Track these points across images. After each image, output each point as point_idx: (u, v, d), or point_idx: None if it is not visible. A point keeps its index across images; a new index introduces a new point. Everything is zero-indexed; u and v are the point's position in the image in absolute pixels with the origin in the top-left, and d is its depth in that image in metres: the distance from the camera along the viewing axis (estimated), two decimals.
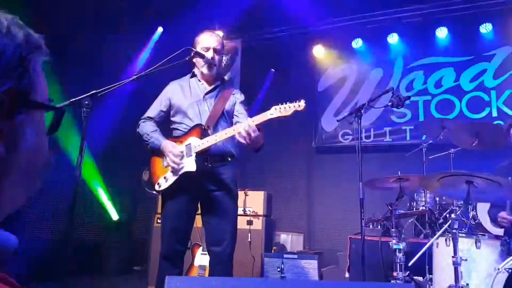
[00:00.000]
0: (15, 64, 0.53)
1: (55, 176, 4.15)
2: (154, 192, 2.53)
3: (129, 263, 5.28)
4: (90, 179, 5.10)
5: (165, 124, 2.71)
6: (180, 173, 2.43)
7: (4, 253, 0.50)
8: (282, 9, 5.41)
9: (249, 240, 4.39)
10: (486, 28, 5.37)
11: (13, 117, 0.53)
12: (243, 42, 6.25)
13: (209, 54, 2.55)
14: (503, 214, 2.97)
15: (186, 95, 2.60)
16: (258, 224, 4.59)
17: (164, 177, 2.49)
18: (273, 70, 6.32)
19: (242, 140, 2.24)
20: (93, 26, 4.96)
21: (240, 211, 4.65)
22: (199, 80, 2.65)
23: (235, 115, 2.63)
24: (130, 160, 4.96)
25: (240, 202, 4.65)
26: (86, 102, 1.92)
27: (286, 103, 2.23)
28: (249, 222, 4.49)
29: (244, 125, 2.22)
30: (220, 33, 6.32)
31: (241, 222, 4.56)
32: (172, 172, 2.46)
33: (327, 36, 6.07)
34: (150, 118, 2.64)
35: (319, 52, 6.22)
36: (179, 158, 2.43)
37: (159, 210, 4.69)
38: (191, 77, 2.68)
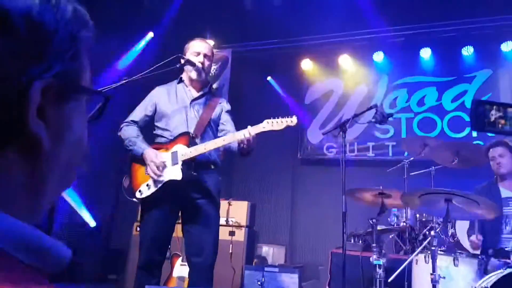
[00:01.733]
0: (66, 44, 0.47)
1: None
2: (135, 199, 2.48)
3: (105, 272, 5.16)
4: None
5: (147, 128, 2.65)
6: (165, 180, 2.39)
7: (62, 265, 0.46)
8: (273, 21, 5.47)
9: (231, 251, 4.34)
10: (467, 51, 5.53)
11: (62, 105, 0.47)
12: (233, 52, 6.27)
13: (199, 59, 2.55)
14: (473, 238, 3.04)
15: (172, 101, 2.57)
16: (240, 235, 4.56)
17: (147, 184, 2.44)
18: (269, 77, 6.33)
19: (242, 145, 2.28)
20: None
21: (222, 221, 4.62)
22: (186, 86, 2.62)
23: (222, 123, 2.62)
24: (109, 166, 4.89)
25: (223, 212, 4.66)
26: None
27: (278, 118, 2.26)
28: (231, 233, 4.45)
29: (242, 134, 2.27)
30: (211, 42, 6.35)
31: (223, 233, 4.52)
32: (155, 179, 2.41)
33: (315, 50, 6.14)
34: (133, 122, 2.59)
35: (307, 65, 6.29)
36: (160, 168, 2.39)
37: (139, 218, 4.63)
38: (178, 82, 2.65)
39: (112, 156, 5.30)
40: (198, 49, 2.57)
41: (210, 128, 2.56)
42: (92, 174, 4.92)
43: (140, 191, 2.44)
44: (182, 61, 2.54)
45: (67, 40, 0.47)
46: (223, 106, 2.66)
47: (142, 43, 5.84)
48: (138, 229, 4.50)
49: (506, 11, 5.07)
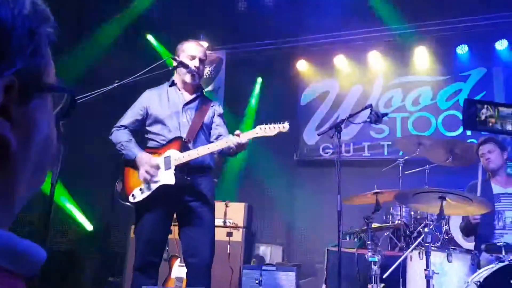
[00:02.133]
0: (25, 40, 0.44)
1: None
2: (128, 203, 2.49)
3: (105, 274, 5.18)
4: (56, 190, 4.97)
5: (137, 132, 2.65)
6: (158, 185, 2.41)
7: (38, 266, 0.44)
8: (266, 22, 5.50)
9: (228, 252, 4.37)
10: (462, 50, 5.57)
11: (26, 103, 0.45)
12: (227, 53, 6.29)
13: (194, 63, 2.53)
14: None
15: (164, 105, 2.56)
16: (237, 235, 4.59)
17: (140, 189, 2.45)
18: (260, 78, 6.37)
19: (232, 150, 2.34)
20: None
21: (220, 222, 4.65)
22: (179, 89, 2.62)
23: (214, 127, 2.63)
24: (105, 168, 4.89)
25: (220, 214, 4.69)
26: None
27: (271, 123, 2.31)
28: (229, 234, 4.48)
29: (233, 140, 2.31)
30: (205, 43, 6.39)
31: (221, 234, 4.57)
32: (148, 183, 2.42)
33: (310, 51, 6.17)
34: (123, 126, 2.57)
35: (302, 66, 6.31)
36: (154, 169, 2.40)
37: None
38: (170, 85, 2.63)
39: (108, 158, 5.30)
40: (193, 52, 2.56)
41: (202, 132, 2.56)
42: (87, 176, 4.94)
43: (133, 195, 2.45)
44: (175, 63, 2.54)
45: (26, 36, 0.45)
46: (215, 109, 2.66)
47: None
48: None
49: (500, 9, 5.12)
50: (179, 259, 3.69)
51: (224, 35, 6.11)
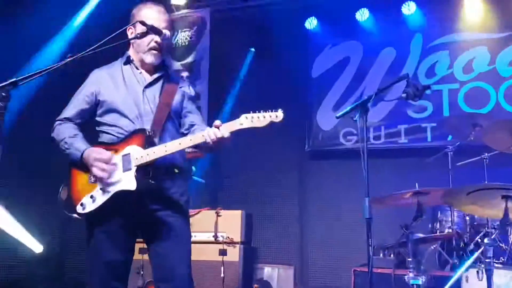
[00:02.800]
0: None
1: None
2: (75, 215, 2.46)
3: None
4: None
5: (87, 125, 2.66)
6: (114, 191, 2.40)
7: None
8: None
9: (222, 275, 4.38)
10: None
11: None
12: (212, 12, 6.25)
13: (156, 37, 2.54)
14: None
15: (120, 88, 2.57)
16: (234, 254, 4.60)
17: (91, 196, 2.44)
18: (253, 49, 6.31)
19: (207, 145, 2.31)
20: None
21: (210, 237, 4.65)
22: (136, 68, 2.63)
23: (185, 115, 2.65)
24: (53, 174, 4.86)
25: (210, 225, 4.69)
26: (3, 93, 1.89)
27: (260, 112, 2.31)
28: (222, 252, 4.50)
29: (208, 135, 2.29)
30: (183, 0, 6.31)
31: (212, 252, 4.59)
32: (101, 189, 2.42)
33: (324, 5, 6.12)
34: (67, 119, 2.58)
35: (314, 26, 6.27)
36: (108, 163, 2.39)
37: None
38: (125, 63, 2.65)
39: (57, 162, 5.28)
40: (154, 23, 2.54)
41: (170, 122, 2.58)
42: (36, 184, 4.92)
43: (82, 204, 2.44)
44: (143, 28, 2.49)
45: None
46: (185, 91, 2.68)
47: (89, 9, 5.77)
48: None
49: None
50: None
51: None
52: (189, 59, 6.08)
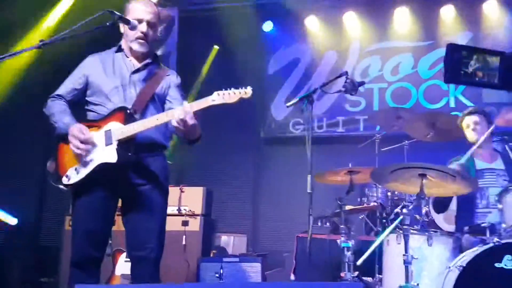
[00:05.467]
0: None
1: None
2: (61, 186, 2.38)
3: (36, 275, 5.02)
4: None
5: (79, 104, 2.57)
6: (96, 164, 2.33)
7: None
8: None
9: (184, 243, 4.33)
10: (447, 11, 5.68)
11: None
12: (180, 10, 6.11)
13: (141, 28, 2.44)
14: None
15: (109, 73, 2.49)
16: (195, 224, 4.55)
17: (75, 168, 2.36)
18: (216, 46, 6.23)
19: (178, 126, 2.21)
20: None
21: (174, 210, 4.58)
22: (127, 56, 2.55)
23: (168, 101, 2.54)
24: (29, 150, 4.68)
25: (174, 200, 4.61)
26: None
27: (230, 89, 2.22)
28: (185, 223, 4.43)
29: (180, 110, 2.19)
30: None
31: (175, 223, 4.50)
32: (85, 162, 2.34)
33: (279, 11, 6.08)
34: (60, 96, 2.50)
35: (270, 29, 6.25)
36: (87, 143, 2.31)
37: (72, 211, 4.51)
38: (117, 51, 2.56)
39: (32, 139, 4.98)
40: (140, 15, 2.46)
41: (153, 104, 2.48)
42: (4, 162, 4.69)
43: (67, 176, 2.36)
44: (115, 18, 2.37)
45: None
46: (171, 80, 2.59)
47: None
48: (70, 223, 4.43)
49: None
50: (124, 253, 3.61)
51: None
52: (159, 52, 5.94)
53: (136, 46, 2.47)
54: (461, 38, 5.68)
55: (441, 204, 3.37)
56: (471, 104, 5.40)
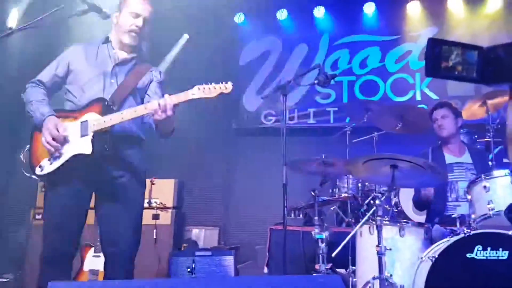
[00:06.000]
0: None
1: None
2: (34, 176, 2.34)
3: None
4: None
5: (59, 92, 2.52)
6: (70, 155, 2.25)
7: None
8: None
9: (155, 237, 4.22)
10: (413, 5, 5.71)
11: None
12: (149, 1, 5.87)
13: (137, 22, 2.42)
14: (425, 190, 3.23)
15: (91, 62, 2.44)
16: (166, 218, 4.44)
17: (49, 159, 2.29)
18: (186, 35, 6.05)
19: (158, 117, 2.17)
20: None
21: (144, 203, 4.43)
22: (113, 48, 2.48)
23: (148, 95, 2.50)
24: None
25: (145, 193, 4.46)
26: None
27: (211, 83, 2.21)
28: (155, 216, 4.32)
29: (161, 101, 2.17)
30: None
31: (146, 217, 4.30)
32: (59, 153, 2.26)
33: (250, 3, 5.97)
34: (40, 82, 2.44)
35: (241, 21, 6.15)
36: (57, 141, 2.24)
37: (38, 204, 4.30)
38: (104, 42, 2.51)
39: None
40: (138, 9, 2.43)
41: (133, 98, 2.44)
42: None
43: (40, 166, 2.30)
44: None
45: None
46: (154, 75, 2.55)
47: None
48: (37, 216, 4.21)
49: None
50: (93, 248, 3.47)
51: None
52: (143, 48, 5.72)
53: (127, 39, 2.43)
54: (427, 33, 5.72)
55: (421, 205, 3.38)
56: (436, 97, 5.48)
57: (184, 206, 4.84)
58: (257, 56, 6.19)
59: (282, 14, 6.00)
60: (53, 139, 2.22)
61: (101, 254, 3.38)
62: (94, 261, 3.44)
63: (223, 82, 2.22)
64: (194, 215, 5.68)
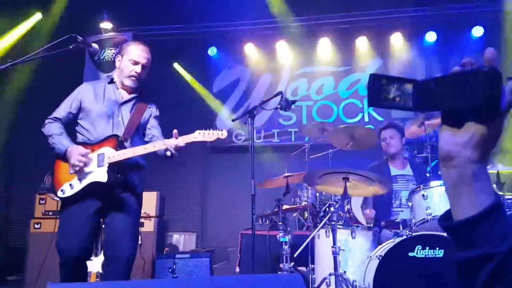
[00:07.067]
0: None
1: None
2: (56, 198, 2.37)
3: (3, 273, 4.54)
4: None
5: (72, 125, 2.52)
6: (89, 182, 2.29)
7: None
8: (178, 6, 5.20)
9: (140, 242, 4.09)
10: (361, 41, 5.92)
11: None
12: (134, 36, 5.82)
13: (136, 69, 2.48)
14: (367, 211, 3.28)
15: (99, 100, 2.47)
16: (149, 225, 4.35)
17: (70, 184, 2.32)
18: (176, 64, 6.04)
19: (172, 152, 2.29)
20: None
21: None
22: (117, 88, 2.52)
23: (148, 128, 2.57)
24: None
25: None
26: None
27: (210, 130, 2.37)
28: (140, 224, 4.20)
29: (170, 141, 2.28)
30: (110, 24, 5.82)
31: None
32: (79, 179, 2.31)
33: (222, 38, 6.04)
34: (57, 118, 2.46)
35: (214, 53, 6.18)
36: (86, 157, 2.28)
37: (36, 215, 4.17)
38: (109, 82, 2.55)
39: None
40: (137, 58, 2.48)
41: (137, 132, 2.51)
42: None
43: (62, 190, 2.33)
44: (78, 41, 2.31)
45: None
46: (152, 111, 2.61)
47: (28, 25, 5.00)
48: (36, 226, 4.08)
49: (394, 4, 5.52)
50: None
51: (131, 16, 5.64)
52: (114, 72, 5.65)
53: (128, 82, 2.49)
54: (373, 64, 5.93)
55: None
56: (381, 118, 5.65)
57: (166, 215, 4.75)
58: (228, 84, 6.24)
59: (249, 48, 6.09)
60: (82, 156, 2.26)
61: (93, 257, 3.31)
62: (88, 264, 3.31)
63: (220, 129, 2.41)
64: (175, 222, 5.61)
